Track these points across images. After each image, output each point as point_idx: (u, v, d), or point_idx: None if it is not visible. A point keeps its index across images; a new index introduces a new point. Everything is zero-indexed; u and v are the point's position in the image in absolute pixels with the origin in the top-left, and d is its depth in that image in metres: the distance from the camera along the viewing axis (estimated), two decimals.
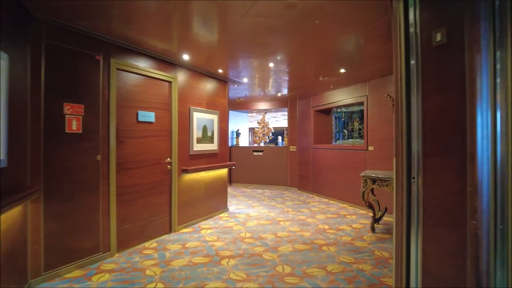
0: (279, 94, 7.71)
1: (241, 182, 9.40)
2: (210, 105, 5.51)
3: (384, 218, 5.09)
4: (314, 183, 7.69)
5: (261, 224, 5.01)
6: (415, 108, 1.92)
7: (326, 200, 7.06)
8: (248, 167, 9.29)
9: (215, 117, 5.59)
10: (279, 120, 17.04)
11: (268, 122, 9.44)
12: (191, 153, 5.00)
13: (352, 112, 7.12)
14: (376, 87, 5.69)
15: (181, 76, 4.85)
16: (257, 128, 9.69)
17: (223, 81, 5.89)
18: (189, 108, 4.99)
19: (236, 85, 6.50)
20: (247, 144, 10.98)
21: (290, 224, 4.96)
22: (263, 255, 3.64)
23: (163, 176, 4.54)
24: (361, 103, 6.23)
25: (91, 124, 3.52)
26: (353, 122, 7.03)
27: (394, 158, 1.98)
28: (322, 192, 7.34)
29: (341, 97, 6.67)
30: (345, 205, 6.44)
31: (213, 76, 5.56)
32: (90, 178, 3.52)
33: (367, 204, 4.41)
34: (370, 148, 5.79)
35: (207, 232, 4.59)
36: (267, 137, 9.43)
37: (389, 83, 5.38)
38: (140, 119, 4.17)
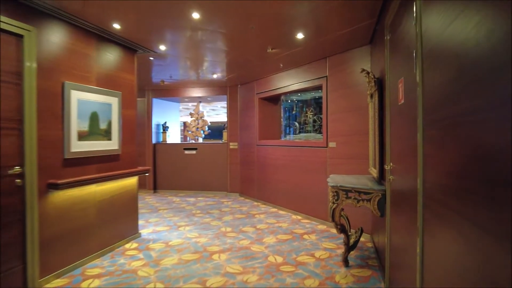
0: (214, 76, 6.05)
1: (169, 189, 7.56)
2: (105, 83, 3.65)
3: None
4: (259, 188, 6.24)
5: (184, 261, 3.34)
6: None
7: (275, 210, 5.65)
8: (178, 169, 7.48)
9: (114, 101, 3.73)
10: (220, 113, 15.38)
11: (203, 113, 7.72)
12: (67, 157, 3.10)
13: (305, 101, 5.81)
14: (339, 65, 4.39)
15: (47, 32, 2.92)
16: (189, 121, 7.90)
17: (129, 48, 4.05)
18: (63, 84, 3.08)
19: (152, 57, 4.68)
20: (179, 141, 9.10)
21: (227, 259, 3.37)
22: None
23: (5, 199, 2.60)
24: (319, 87, 4.90)
25: None
26: (306, 113, 5.72)
27: None
28: (270, 199, 5.92)
29: (294, 80, 5.28)
30: (299, 217, 5.10)
31: (111, 38, 3.69)
32: None
33: (339, 226, 3.04)
34: (331, 144, 4.49)
35: (92, 286, 2.78)
36: (202, 132, 7.70)
37: (357, 59, 4.10)
38: None
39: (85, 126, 3.33)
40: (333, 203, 2.94)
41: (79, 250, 3.25)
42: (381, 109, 2.86)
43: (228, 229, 4.47)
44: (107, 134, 3.63)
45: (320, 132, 5.31)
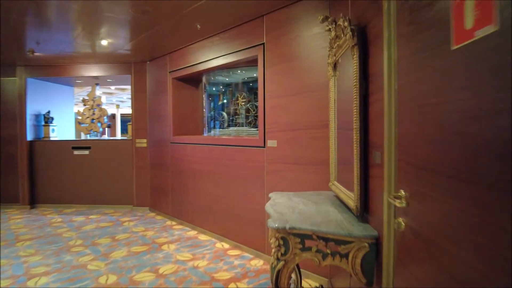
0: (104, 43, 4.18)
1: (54, 203, 5.47)
2: None
3: None
4: (175, 201, 4.62)
5: None
6: None
7: (194, 233, 4.09)
8: (66, 176, 5.44)
9: None
10: None
11: (100, 99, 5.74)
12: None
13: (236, 85, 4.36)
14: (281, 26, 3.00)
15: None
16: (82, 110, 5.84)
17: None
18: None
19: None
20: (72, 137, 6.91)
21: None
22: None
23: None
24: (254, 61, 3.46)
25: None
26: (237, 99, 4.27)
27: None
28: (188, 218, 4.35)
29: (219, 52, 3.76)
30: (226, 245, 3.64)
31: None
32: None
33: None
34: (271, 143, 3.11)
35: None
36: (99, 125, 5.72)
37: (307, 15, 2.75)
38: None
39: None
40: (278, 259, 1.52)
41: None
42: (364, 79, 1.52)
43: (112, 278, 2.78)
44: None
45: (255, 126, 3.91)
